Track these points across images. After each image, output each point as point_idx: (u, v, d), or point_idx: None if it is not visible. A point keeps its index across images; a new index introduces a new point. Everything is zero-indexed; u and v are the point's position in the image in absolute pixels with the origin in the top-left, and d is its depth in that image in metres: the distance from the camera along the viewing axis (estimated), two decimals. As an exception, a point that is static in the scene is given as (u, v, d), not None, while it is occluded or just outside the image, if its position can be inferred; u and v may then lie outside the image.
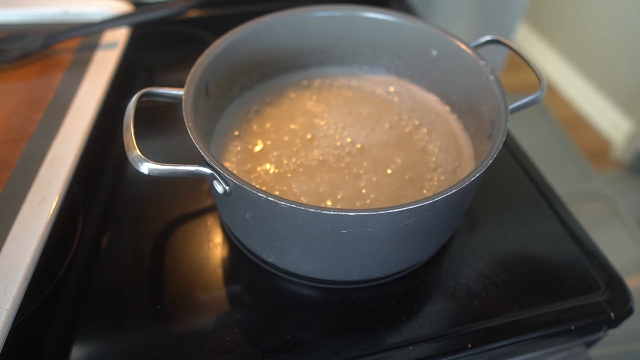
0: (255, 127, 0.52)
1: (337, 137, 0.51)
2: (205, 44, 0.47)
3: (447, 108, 0.54)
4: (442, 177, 0.48)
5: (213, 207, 0.52)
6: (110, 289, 0.45)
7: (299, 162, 0.48)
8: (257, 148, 0.50)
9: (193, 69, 0.44)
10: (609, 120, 1.76)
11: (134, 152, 0.37)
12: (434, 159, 0.49)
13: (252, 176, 0.47)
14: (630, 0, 1.59)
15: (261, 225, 0.40)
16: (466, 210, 0.47)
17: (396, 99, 0.56)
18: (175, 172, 0.37)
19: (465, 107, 0.51)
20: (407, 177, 0.47)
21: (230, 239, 0.49)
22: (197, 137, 0.38)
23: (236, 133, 0.51)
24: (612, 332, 0.46)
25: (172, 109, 0.62)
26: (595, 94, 1.82)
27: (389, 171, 0.48)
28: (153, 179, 0.53)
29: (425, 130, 0.52)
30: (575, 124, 1.82)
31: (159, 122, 0.62)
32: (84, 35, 0.62)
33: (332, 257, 0.41)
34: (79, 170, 0.48)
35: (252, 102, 0.54)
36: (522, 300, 0.45)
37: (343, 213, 0.35)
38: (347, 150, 0.50)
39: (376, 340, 0.42)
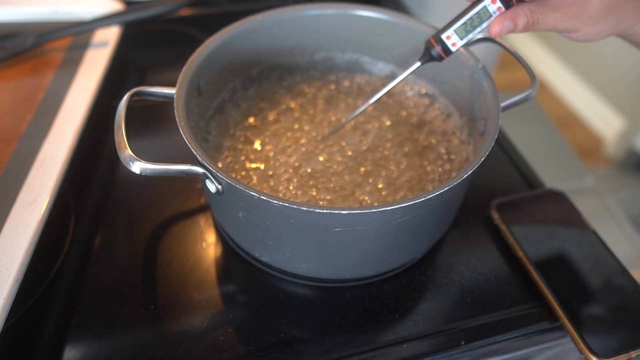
0: (248, 126, 0.52)
1: (332, 136, 0.51)
2: (197, 43, 0.47)
3: (442, 105, 0.54)
4: (439, 174, 0.48)
5: (206, 206, 0.52)
6: (103, 290, 0.45)
7: (294, 161, 0.48)
8: (250, 147, 0.50)
9: (185, 68, 0.44)
10: (600, 118, 1.78)
11: (126, 151, 0.37)
12: (431, 155, 0.50)
13: (245, 175, 0.47)
14: (621, -2, 1.60)
15: (254, 224, 0.40)
16: (459, 208, 0.47)
17: (390, 98, 0.56)
18: (167, 172, 0.37)
19: (458, 105, 0.52)
20: (404, 174, 0.48)
21: (223, 238, 0.49)
22: (189, 136, 0.38)
23: (229, 132, 0.51)
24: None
25: (164, 107, 0.62)
26: (587, 92, 1.83)
27: (387, 169, 0.48)
28: (145, 179, 0.52)
29: (421, 128, 0.52)
30: (567, 122, 1.83)
31: (151, 121, 0.62)
32: (75, 34, 0.62)
33: (326, 255, 0.41)
34: (70, 170, 0.48)
35: (244, 100, 0.54)
36: (514, 297, 0.45)
37: (335, 211, 0.35)
38: (346, 150, 0.50)
39: (370, 338, 0.42)
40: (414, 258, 0.47)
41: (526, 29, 0.40)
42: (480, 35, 0.49)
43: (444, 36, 0.43)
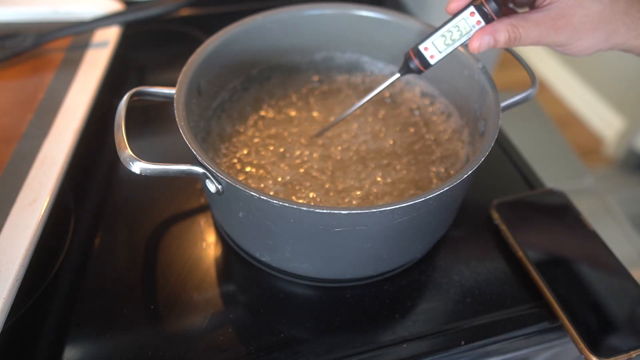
0: (248, 126, 0.52)
1: (333, 135, 0.51)
2: (198, 43, 0.47)
3: (442, 105, 0.54)
4: (439, 174, 0.48)
5: (206, 206, 0.52)
6: (103, 290, 0.45)
7: (293, 160, 0.48)
8: (251, 147, 0.50)
9: (185, 68, 0.44)
10: (600, 118, 1.78)
11: (126, 151, 0.37)
12: (431, 155, 0.50)
13: (245, 175, 0.47)
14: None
15: (254, 224, 0.40)
16: (459, 208, 0.47)
17: (391, 97, 0.56)
18: (167, 172, 0.37)
19: (458, 105, 0.52)
20: (403, 174, 0.48)
21: (223, 238, 0.49)
22: (189, 136, 0.38)
23: (228, 132, 0.51)
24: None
25: (164, 107, 0.62)
26: (586, 91, 1.83)
27: (388, 169, 0.48)
28: (145, 179, 0.52)
29: (421, 127, 0.52)
30: (567, 122, 1.83)
31: (151, 121, 0.62)
32: (75, 34, 0.62)
33: (326, 255, 0.41)
34: (70, 170, 0.48)
35: (244, 101, 0.54)
36: (514, 297, 0.45)
37: (335, 211, 0.35)
38: (346, 150, 0.50)
39: (370, 338, 0.42)
40: (414, 258, 0.47)
41: (508, 44, 0.39)
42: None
43: (421, 48, 0.42)
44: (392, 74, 0.56)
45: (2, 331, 0.36)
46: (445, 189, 0.36)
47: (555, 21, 0.38)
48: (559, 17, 0.37)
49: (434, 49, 0.41)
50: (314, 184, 0.46)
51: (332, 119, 0.53)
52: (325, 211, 0.35)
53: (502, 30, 0.38)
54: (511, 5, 0.43)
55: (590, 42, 0.39)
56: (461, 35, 0.40)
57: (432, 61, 0.42)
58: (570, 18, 0.37)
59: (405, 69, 0.44)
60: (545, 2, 0.38)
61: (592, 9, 0.37)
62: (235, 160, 0.48)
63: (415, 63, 0.42)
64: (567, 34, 0.38)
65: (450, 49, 0.41)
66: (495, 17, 0.39)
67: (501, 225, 0.50)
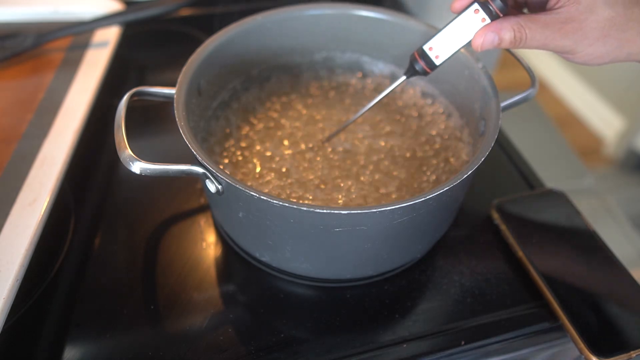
0: (248, 126, 0.52)
1: (334, 136, 0.51)
2: (197, 43, 0.47)
3: (442, 105, 0.54)
4: (439, 174, 0.48)
5: (206, 206, 0.52)
6: (103, 290, 0.45)
7: (293, 161, 0.48)
8: (251, 148, 0.50)
9: (185, 68, 0.44)
10: (600, 118, 1.78)
11: (126, 151, 0.37)
12: (431, 154, 0.50)
13: (245, 175, 0.47)
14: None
15: (254, 224, 0.40)
16: (459, 208, 0.47)
17: (390, 98, 0.56)
18: (167, 172, 0.37)
19: (458, 105, 0.52)
20: (404, 174, 0.48)
21: (223, 238, 0.49)
22: (189, 136, 0.38)
23: (228, 132, 0.51)
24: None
25: (164, 107, 0.62)
26: (586, 91, 1.83)
27: (388, 169, 0.48)
28: (145, 179, 0.52)
29: (421, 127, 0.52)
30: (567, 122, 1.83)
31: (151, 121, 0.62)
32: (75, 34, 0.62)
33: (326, 255, 0.41)
34: (70, 170, 0.48)
35: (245, 101, 0.54)
36: (514, 297, 0.45)
37: (335, 211, 0.35)
38: (346, 151, 0.50)
39: (370, 338, 0.42)
40: (414, 258, 0.47)
41: (513, 45, 0.37)
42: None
43: (426, 48, 0.41)
44: (392, 74, 0.57)
45: (2, 331, 0.36)
46: (445, 189, 0.36)
47: (563, 25, 0.36)
48: (568, 21, 0.36)
49: (439, 48, 0.40)
50: (314, 183, 0.46)
51: (333, 118, 0.53)
52: (325, 211, 0.35)
53: (508, 29, 0.37)
54: (525, 11, 0.42)
55: (602, 50, 0.37)
56: (466, 34, 0.39)
57: (437, 62, 0.41)
58: (579, 23, 0.36)
59: (411, 71, 0.43)
60: (557, 6, 0.37)
61: (603, 15, 0.35)
62: (235, 161, 0.48)
63: (420, 64, 0.42)
64: (575, 39, 0.36)
65: (455, 49, 0.40)
66: (500, 15, 0.38)
67: (501, 225, 0.50)
